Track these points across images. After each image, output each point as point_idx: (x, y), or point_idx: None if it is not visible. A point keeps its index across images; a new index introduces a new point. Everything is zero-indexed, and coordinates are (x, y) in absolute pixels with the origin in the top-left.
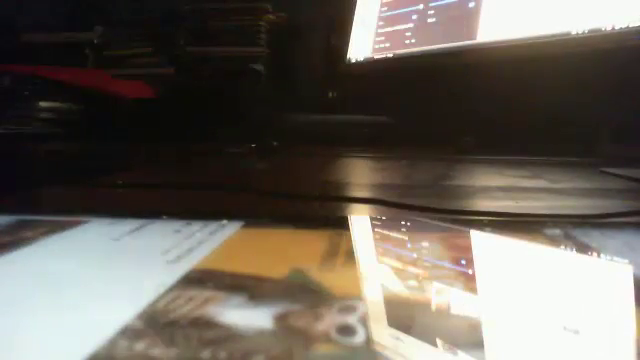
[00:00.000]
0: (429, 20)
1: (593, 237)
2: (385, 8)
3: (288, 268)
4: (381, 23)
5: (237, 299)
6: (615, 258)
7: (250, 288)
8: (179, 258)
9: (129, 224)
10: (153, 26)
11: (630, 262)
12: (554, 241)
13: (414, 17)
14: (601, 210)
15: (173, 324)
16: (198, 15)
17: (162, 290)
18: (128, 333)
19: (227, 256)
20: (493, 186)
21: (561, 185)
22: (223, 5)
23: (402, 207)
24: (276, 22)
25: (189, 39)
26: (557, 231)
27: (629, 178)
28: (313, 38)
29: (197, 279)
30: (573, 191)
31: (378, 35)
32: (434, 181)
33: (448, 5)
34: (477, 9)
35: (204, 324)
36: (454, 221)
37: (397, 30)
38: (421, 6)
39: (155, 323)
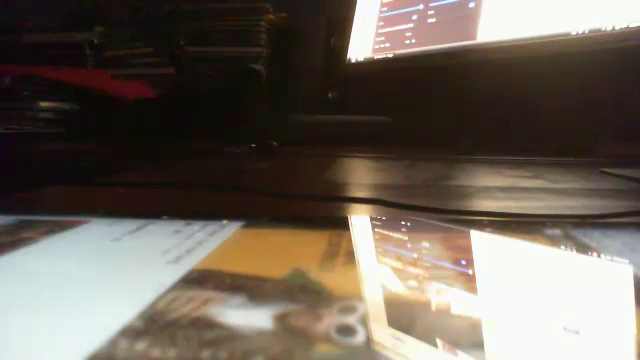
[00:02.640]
0: (429, 20)
1: (593, 237)
2: (385, 8)
3: (288, 268)
4: (381, 23)
5: (237, 299)
6: (615, 258)
7: (250, 288)
8: (179, 258)
9: (129, 224)
10: (153, 26)
11: (630, 262)
12: (554, 241)
13: (414, 17)
14: (601, 210)
15: (173, 324)
16: (198, 15)
17: (162, 290)
18: (128, 333)
19: (227, 256)
20: (493, 186)
21: (561, 185)
22: (223, 5)
23: (402, 207)
24: (276, 22)
25: (189, 39)
26: (557, 231)
27: (629, 178)
28: (313, 38)
29: (197, 279)
30: (573, 191)
31: (378, 35)
32: (434, 181)
33: (448, 5)
34: (477, 9)
35: (204, 324)
36: (454, 221)
37: (397, 30)
38: (421, 6)
39: (155, 323)
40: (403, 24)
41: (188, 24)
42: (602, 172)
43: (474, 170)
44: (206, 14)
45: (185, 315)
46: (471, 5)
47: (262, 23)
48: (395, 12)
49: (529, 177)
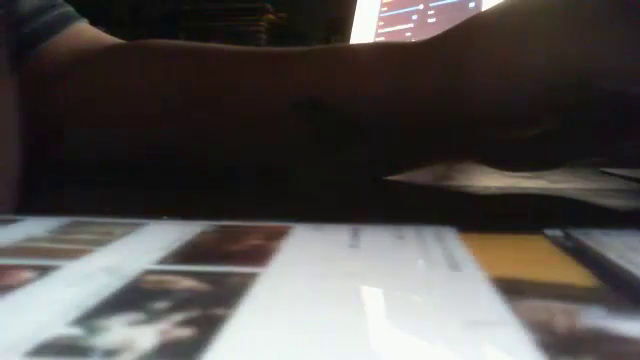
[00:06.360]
0: (429, 20)
1: (593, 237)
2: (385, 8)
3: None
4: (381, 23)
5: None
6: (615, 258)
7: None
8: None
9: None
10: (153, 26)
11: (630, 262)
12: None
13: (414, 17)
14: (601, 210)
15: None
16: (198, 15)
17: None
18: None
19: None
20: (493, 186)
21: (561, 185)
22: (223, 5)
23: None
24: (276, 22)
25: (189, 39)
26: (557, 231)
27: (629, 178)
28: (313, 38)
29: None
30: (573, 191)
31: (378, 35)
32: (434, 181)
33: (448, 5)
34: (477, 9)
35: None
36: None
37: (397, 30)
38: (421, 6)
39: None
40: (403, 24)
41: (188, 24)
42: (602, 172)
43: (474, 170)
44: (206, 14)
45: None
46: (471, 5)
47: (262, 23)
48: (395, 12)
49: (529, 177)
